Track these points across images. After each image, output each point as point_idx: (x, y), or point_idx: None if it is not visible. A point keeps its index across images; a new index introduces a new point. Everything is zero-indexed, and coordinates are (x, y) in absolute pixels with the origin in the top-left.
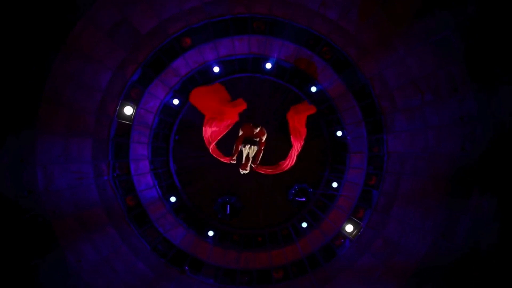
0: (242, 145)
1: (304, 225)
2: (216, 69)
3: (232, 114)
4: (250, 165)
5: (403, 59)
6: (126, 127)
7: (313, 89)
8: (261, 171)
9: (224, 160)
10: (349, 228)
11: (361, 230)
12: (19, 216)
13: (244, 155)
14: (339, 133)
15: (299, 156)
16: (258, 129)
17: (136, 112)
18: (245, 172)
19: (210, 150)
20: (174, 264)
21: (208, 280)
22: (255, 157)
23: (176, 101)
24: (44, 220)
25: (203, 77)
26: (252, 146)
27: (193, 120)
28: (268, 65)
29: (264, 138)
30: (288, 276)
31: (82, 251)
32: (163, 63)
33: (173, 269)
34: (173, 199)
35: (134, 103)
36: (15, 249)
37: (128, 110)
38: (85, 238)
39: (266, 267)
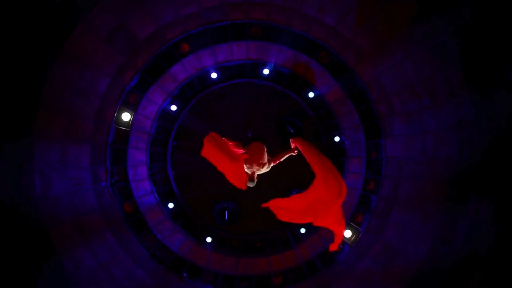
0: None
1: (303, 230)
2: (214, 75)
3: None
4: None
5: (400, 64)
6: (124, 133)
7: (311, 94)
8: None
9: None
10: (347, 233)
11: (360, 235)
12: (16, 222)
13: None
14: (337, 138)
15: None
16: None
17: (134, 117)
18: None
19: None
20: (173, 270)
21: (207, 286)
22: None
23: (174, 107)
24: (41, 226)
25: (201, 82)
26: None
27: (191, 126)
28: (266, 71)
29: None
30: (287, 281)
31: (79, 257)
32: (161, 69)
33: (172, 276)
34: (171, 205)
35: (132, 108)
36: (12, 256)
37: (126, 116)
38: (82, 245)
39: (265, 272)
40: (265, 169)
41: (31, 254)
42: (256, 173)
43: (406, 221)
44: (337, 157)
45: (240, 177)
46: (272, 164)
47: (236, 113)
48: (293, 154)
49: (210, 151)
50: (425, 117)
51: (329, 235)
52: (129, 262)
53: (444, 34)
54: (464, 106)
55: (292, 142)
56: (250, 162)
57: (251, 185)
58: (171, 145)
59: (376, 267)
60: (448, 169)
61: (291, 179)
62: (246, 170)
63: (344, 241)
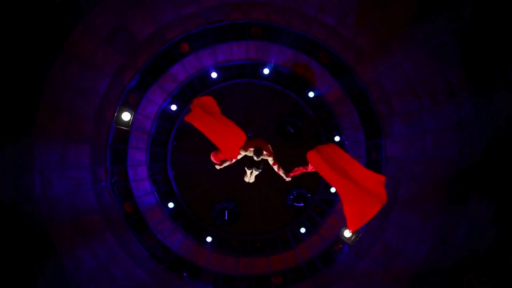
0: (246, 167)
1: (303, 230)
2: (214, 75)
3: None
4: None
5: (400, 64)
6: (124, 133)
7: (311, 94)
8: (297, 174)
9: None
10: (347, 233)
11: (360, 235)
12: (16, 222)
13: (248, 173)
14: (337, 138)
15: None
16: (262, 156)
17: (134, 117)
18: (250, 182)
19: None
20: (173, 270)
21: (207, 286)
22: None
23: (174, 107)
24: (41, 227)
25: (201, 82)
26: (255, 170)
27: (191, 126)
28: (266, 71)
29: (270, 160)
30: (287, 281)
31: (79, 257)
32: (161, 69)
33: (172, 276)
34: (171, 205)
35: (132, 108)
36: (12, 256)
37: (126, 116)
38: (82, 245)
39: (265, 272)
40: (268, 157)
41: (31, 254)
42: (262, 158)
43: (406, 221)
44: None
45: (234, 146)
46: (272, 160)
47: (236, 113)
48: (285, 178)
49: (199, 117)
50: (425, 117)
51: (329, 235)
52: (129, 262)
53: (444, 34)
54: (464, 106)
55: (309, 158)
56: (250, 143)
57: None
58: (171, 145)
59: (376, 267)
60: (448, 169)
61: (292, 179)
62: (242, 152)
63: (344, 241)
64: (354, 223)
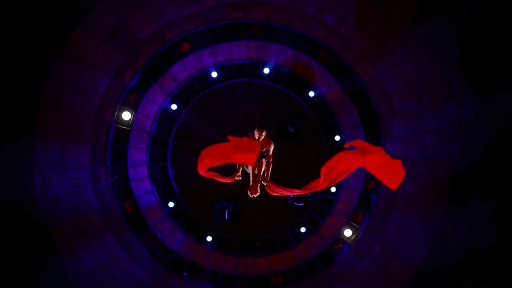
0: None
1: (303, 230)
2: (214, 74)
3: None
4: (261, 185)
5: (400, 64)
6: (124, 133)
7: (311, 94)
8: (275, 192)
9: (225, 180)
10: (347, 232)
11: (360, 235)
12: (16, 222)
13: (251, 174)
14: (337, 138)
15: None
16: (264, 133)
17: (134, 117)
18: (255, 195)
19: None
20: (173, 270)
21: (207, 286)
22: (263, 173)
23: (174, 106)
24: (41, 227)
25: (201, 82)
26: (257, 161)
27: (191, 125)
28: (266, 70)
29: (271, 150)
30: (287, 281)
31: (80, 257)
32: (161, 69)
33: (172, 275)
34: (171, 204)
35: (132, 108)
36: (12, 256)
37: (126, 116)
38: (83, 245)
39: (265, 272)
40: (269, 147)
41: (31, 254)
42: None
43: (406, 221)
44: None
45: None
46: (271, 151)
47: (236, 112)
48: (265, 178)
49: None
50: (425, 117)
51: (329, 235)
52: (129, 262)
53: (444, 34)
54: (464, 106)
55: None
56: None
57: (254, 195)
58: (171, 144)
59: (376, 267)
60: (448, 169)
61: (292, 178)
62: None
63: (345, 240)
64: (393, 183)
